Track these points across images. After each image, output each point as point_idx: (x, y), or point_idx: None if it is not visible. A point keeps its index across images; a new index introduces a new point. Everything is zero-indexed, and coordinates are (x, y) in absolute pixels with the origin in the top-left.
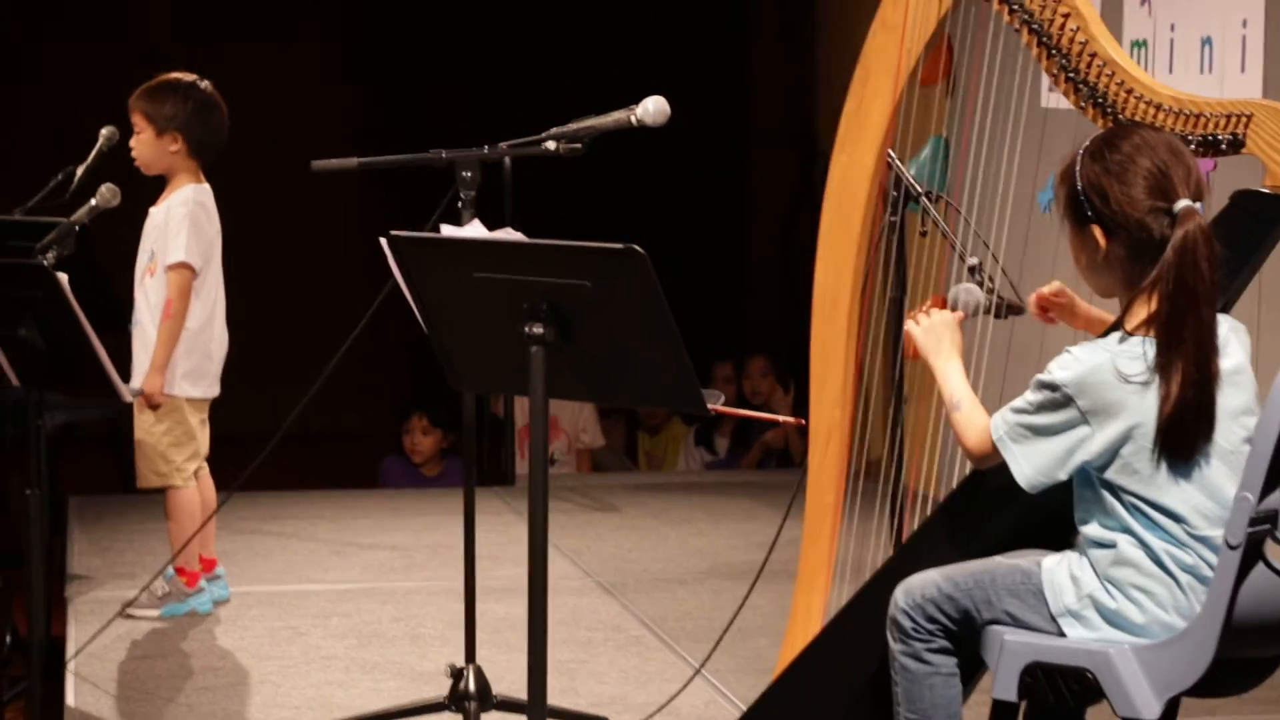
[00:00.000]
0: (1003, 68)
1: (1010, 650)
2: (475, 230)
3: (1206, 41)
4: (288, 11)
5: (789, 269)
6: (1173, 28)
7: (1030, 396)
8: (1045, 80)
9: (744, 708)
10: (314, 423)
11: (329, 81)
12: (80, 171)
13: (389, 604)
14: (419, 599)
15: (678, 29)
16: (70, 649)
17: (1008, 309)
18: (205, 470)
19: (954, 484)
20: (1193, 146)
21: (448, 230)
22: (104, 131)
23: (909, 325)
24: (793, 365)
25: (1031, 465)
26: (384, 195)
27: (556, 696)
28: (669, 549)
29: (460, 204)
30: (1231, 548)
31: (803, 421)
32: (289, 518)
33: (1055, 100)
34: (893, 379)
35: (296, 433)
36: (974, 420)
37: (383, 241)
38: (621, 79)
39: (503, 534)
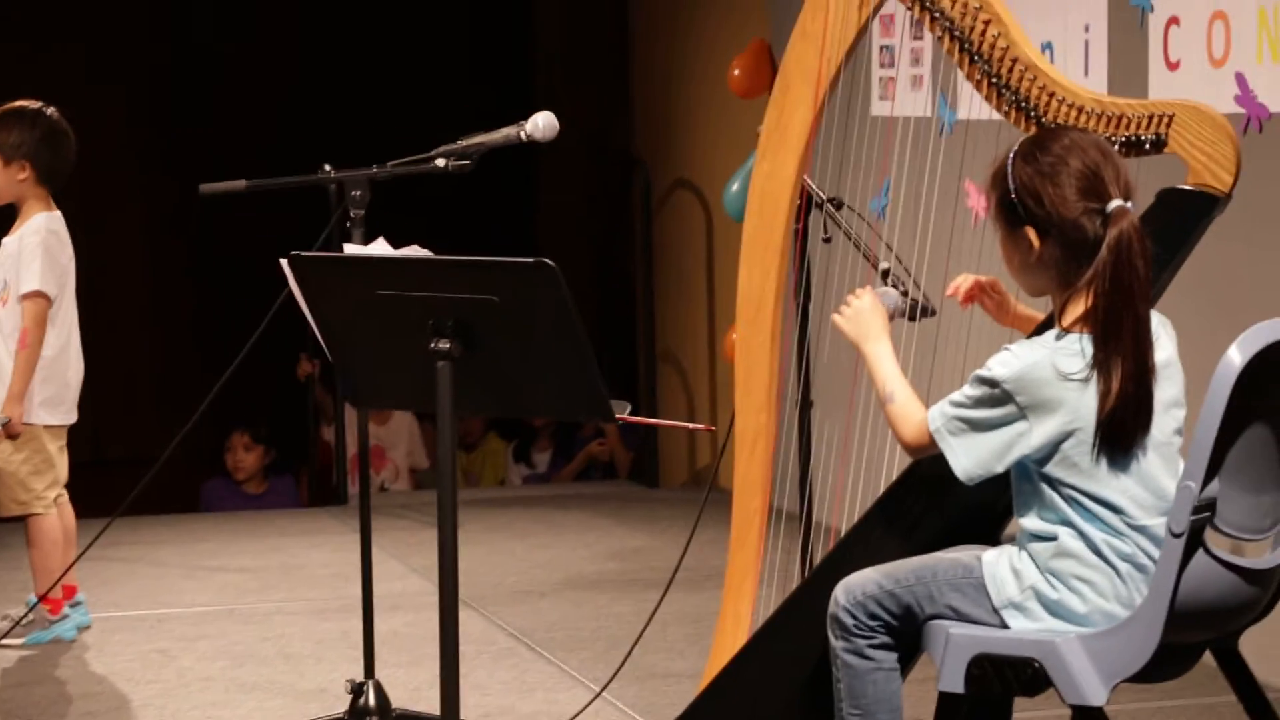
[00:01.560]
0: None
1: (956, 643)
2: (380, 248)
3: (1047, 47)
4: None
5: (606, 281)
6: None
7: (969, 391)
8: (875, 88)
9: (630, 712)
10: (115, 449)
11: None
12: None
13: (252, 624)
14: (281, 619)
15: (462, 39)
16: None
17: (920, 310)
18: (65, 497)
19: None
20: (1117, 147)
21: (351, 249)
22: None
23: (834, 317)
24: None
25: (970, 458)
26: (172, 217)
27: None
28: (518, 562)
29: (349, 223)
30: (1175, 535)
31: (712, 428)
32: (129, 543)
33: (885, 109)
34: (799, 383)
35: (109, 459)
36: (910, 413)
37: (283, 262)
38: (407, 94)
39: (348, 552)
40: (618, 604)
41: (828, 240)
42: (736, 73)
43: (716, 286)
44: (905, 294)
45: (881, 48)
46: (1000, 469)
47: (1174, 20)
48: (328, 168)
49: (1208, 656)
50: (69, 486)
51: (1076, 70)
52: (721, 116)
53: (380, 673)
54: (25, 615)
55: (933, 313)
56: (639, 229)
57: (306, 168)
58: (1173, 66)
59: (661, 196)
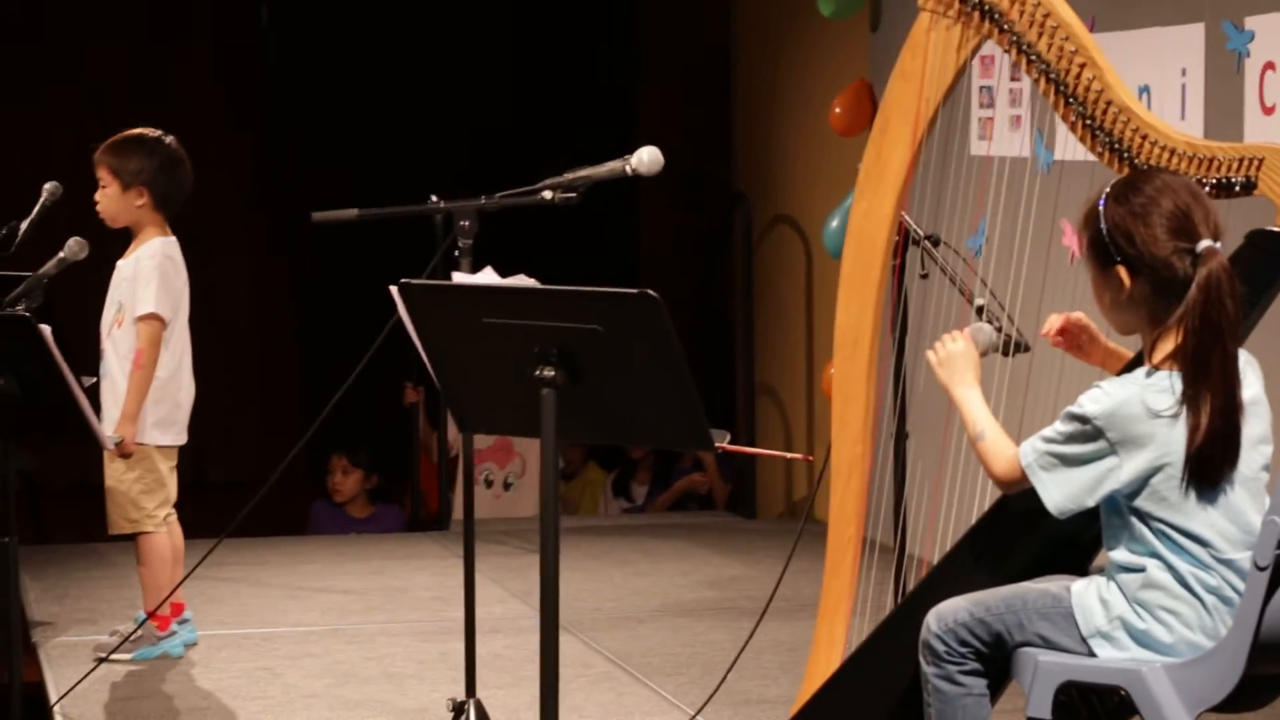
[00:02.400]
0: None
1: (1045, 670)
2: (487, 277)
3: (1144, 90)
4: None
5: (706, 314)
6: None
7: (1060, 427)
8: (975, 128)
9: None
10: (217, 473)
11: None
12: (24, 226)
13: (355, 644)
14: (384, 639)
15: (566, 70)
16: (52, 690)
17: (1015, 346)
18: (174, 516)
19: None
20: (1207, 189)
21: (459, 277)
22: (47, 186)
23: (928, 355)
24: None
25: (1061, 492)
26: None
27: None
28: (616, 589)
29: (458, 253)
30: (1260, 569)
31: (810, 458)
32: (233, 564)
33: (983, 148)
34: (895, 416)
35: (210, 483)
36: (1000, 449)
37: (393, 289)
38: (515, 127)
39: (449, 576)
40: (714, 631)
41: (925, 276)
42: (838, 111)
43: (815, 321)
44: (1000, 330)
45: (981, 88)
46: (1091, 503)
47: (1269, 65)
48: (435, 198)
49: None
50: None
51: (1173, 114)
52: (822, 153)
53: (480, 694)
54: (134, 631)
55: (1027, 348)
56: (739, 263)
57: (413, 197)
58: (1268, 111)
59: (762, 231)
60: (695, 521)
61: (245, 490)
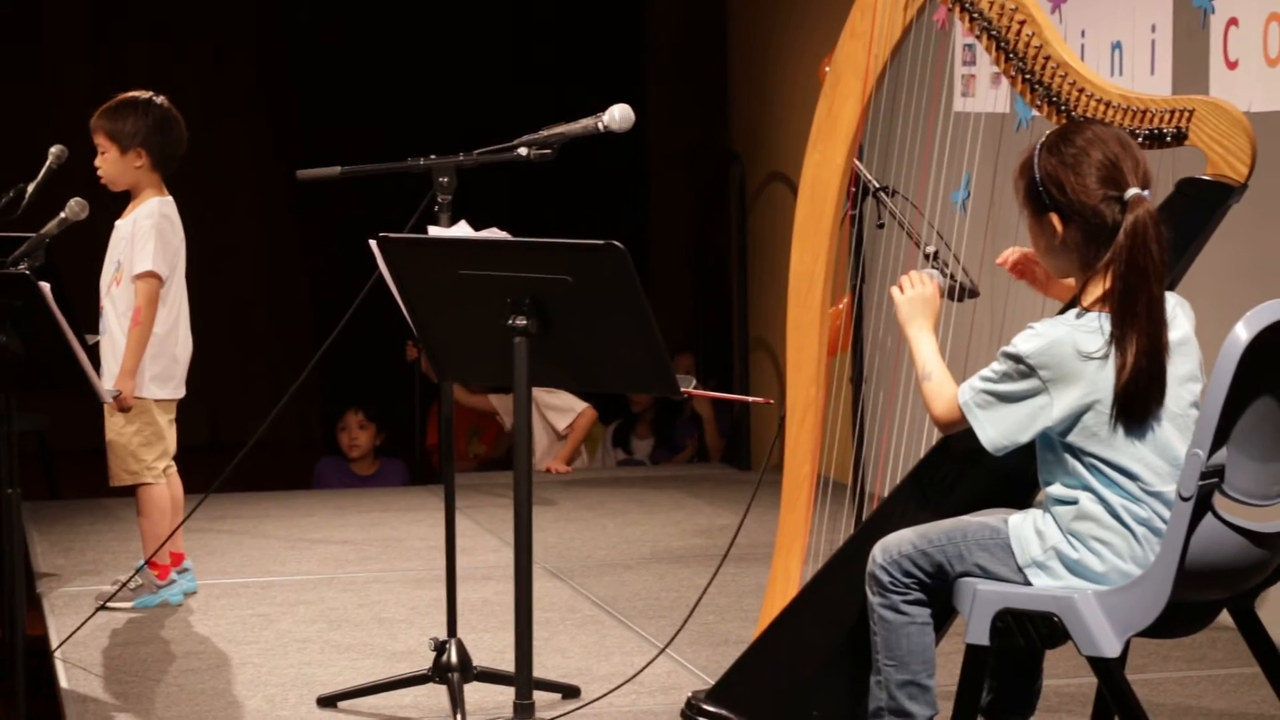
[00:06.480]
0: (920, 74)
1: (982, 599)
2: (461, 230)
3: (1117, 46)
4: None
5: (704, 268)
6: (1084, 33)
7: (995, 367)
8: (958, 85)
9: (702, 675)
10: (232, 433)
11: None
12: (31, 189)
13: (349, 592)
14: (377, 587)
15: (570, 31)
16: (54, 638)
17: (964, 292)
18: (174, 468)
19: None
20: (1140, 139)
21: (435, 231)
22: (53, 150)
23: (893, 291)
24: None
25: (996, 429)
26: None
27: None
28: (608, 538)
29: (437, 208)
30: (1184, 499)
31: (771, 401)
32: (236, 517)
33: (967, 104)
34: (852, 361)
35: (226, 443)
36: (943, 390)
37: (372, 243)
38: (515, 85)
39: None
40: (699, 576)
41: (881, 226)
42: (826, 69)
43: None
44: (950, 275)
45: (965, 46)
46: (1025, 439)
47: (1233, 21)
48: (434, 156)
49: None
50: (182, 462)
51: (1144, 68)
52: (813, 111)
53: (469, 636)
54: (131, 577)
55: (975, 294)
56: (734, 220)
57: (420, 153)
58: (1231, 65)
59: (756, 189)
60: (690, 473)
61: (260, 449)
